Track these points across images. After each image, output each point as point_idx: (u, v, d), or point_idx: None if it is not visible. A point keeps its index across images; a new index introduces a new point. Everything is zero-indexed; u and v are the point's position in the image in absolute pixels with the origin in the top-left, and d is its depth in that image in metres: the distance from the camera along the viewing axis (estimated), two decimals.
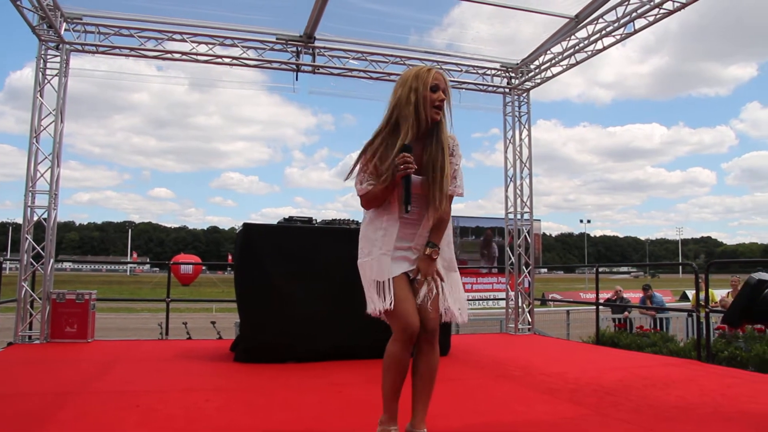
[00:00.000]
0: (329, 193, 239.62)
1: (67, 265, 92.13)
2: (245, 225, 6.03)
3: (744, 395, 4.60)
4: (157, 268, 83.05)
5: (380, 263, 2.85)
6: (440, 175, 2.85)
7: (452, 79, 8.80)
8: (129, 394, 4.34)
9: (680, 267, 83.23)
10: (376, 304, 2.83)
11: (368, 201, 2.92)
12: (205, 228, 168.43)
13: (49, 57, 7.29)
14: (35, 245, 7.08)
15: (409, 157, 2.75)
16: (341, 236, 6.05)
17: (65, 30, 7.31)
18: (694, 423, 3.78)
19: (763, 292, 1.42)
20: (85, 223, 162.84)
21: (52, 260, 7.18)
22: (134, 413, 3.77)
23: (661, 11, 6.68)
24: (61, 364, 5.67)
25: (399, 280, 2.86)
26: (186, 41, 7.75)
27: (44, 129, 7.17)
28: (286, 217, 6.29)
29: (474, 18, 8.89)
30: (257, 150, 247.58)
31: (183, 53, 7.82)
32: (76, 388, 4.51)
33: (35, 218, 7.10)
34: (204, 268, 64.72)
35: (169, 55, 7.86)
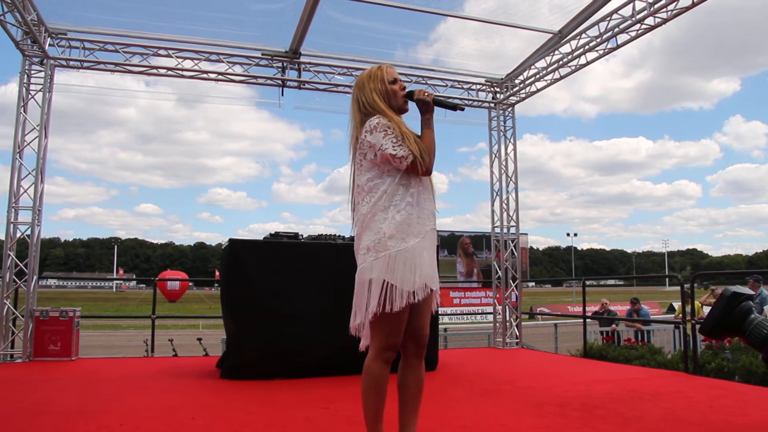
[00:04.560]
0: (317, 209, 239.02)
1: (52, 282, 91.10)
2: (231, 241, 6.01)
3: (731, 406, 4.62)
4: (144, 285, 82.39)
5: (414, 260, 2.74)
6: None
7: (438, 93, 8.85)
8: (113, 413, 4.28)
9: (667, 279, 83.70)
10: (394, 303, 2.67)
11: (432, 152, 2.87)
12: (192, 244, 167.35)
13: (33, 72, 7.28)
14: (18, 262, 7.01)
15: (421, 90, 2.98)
16: (327, 251, 6.04)
17: (50, 45, 7.30)
18: None
19: (738, 305, 1.43)
20: (71, 239, 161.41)
21: (35, 277, 7.10)
22: None
23: (643, 26, 6.76)
24: (44, 383, 5.58)
25: None
26: (171, 57, 7.74)
27: (28, 144, 7.13)
28: (272, 232, 6.27)
29: (460, 33, 8.96)
30: (245, 165, 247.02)
31: (168, 68, 7.82)
32: (58, 408, 4.45)
33: (18, 234, 7.04)
34: (191, 284, 64.36)
35: (154, 71, 7.85)
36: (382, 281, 2.70)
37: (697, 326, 7.38)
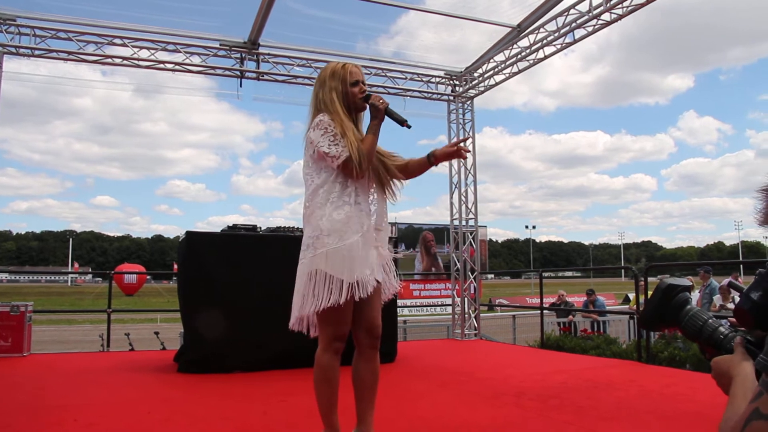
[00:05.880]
0: (276, 201, 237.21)
1: (3, 276, 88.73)
2: (188, 233, 5.93)
3: (681, 394, 4.75)
4: (100, 278, 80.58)
5: (353, 255, 2.74)
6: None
7: (398, 86, 8.87)
8: (66, 409, 4.19)
9: (622, 271, 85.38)
10: (336, 296, 2.69)
11: (369, 157, 2.84)
12: (150, 237, 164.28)
13: None
14: None
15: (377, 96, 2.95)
16: (286, 244, 6.00)
17: None
18: (634, 422, 3.89)
19: (674, 297, 1.47)
20: (23, 232, 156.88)
21: None
22: (71, 428, 3.65)
23: (600, 22, 6.87)
24: None
25: None
26: (127, 46, 7.56)
27: None
28: (230, 225, 6.21)
29: (421, 27, 8.99)
30: (205, 157, 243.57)
31: (124, 58, 7.64)
32: (8, 405, 4.33)
33: None
34: (149, 277, 63.35)
35: (109, 60, 7.66)
36: (323, 274, 2.73)
37: None
